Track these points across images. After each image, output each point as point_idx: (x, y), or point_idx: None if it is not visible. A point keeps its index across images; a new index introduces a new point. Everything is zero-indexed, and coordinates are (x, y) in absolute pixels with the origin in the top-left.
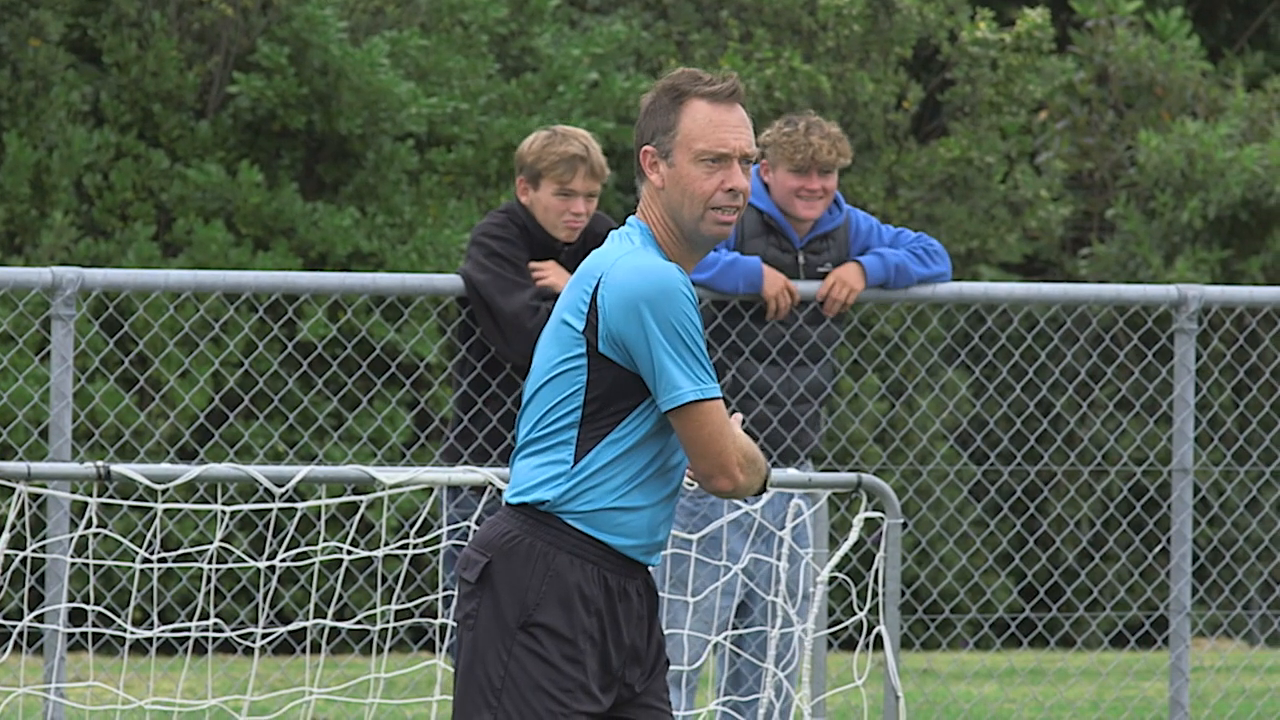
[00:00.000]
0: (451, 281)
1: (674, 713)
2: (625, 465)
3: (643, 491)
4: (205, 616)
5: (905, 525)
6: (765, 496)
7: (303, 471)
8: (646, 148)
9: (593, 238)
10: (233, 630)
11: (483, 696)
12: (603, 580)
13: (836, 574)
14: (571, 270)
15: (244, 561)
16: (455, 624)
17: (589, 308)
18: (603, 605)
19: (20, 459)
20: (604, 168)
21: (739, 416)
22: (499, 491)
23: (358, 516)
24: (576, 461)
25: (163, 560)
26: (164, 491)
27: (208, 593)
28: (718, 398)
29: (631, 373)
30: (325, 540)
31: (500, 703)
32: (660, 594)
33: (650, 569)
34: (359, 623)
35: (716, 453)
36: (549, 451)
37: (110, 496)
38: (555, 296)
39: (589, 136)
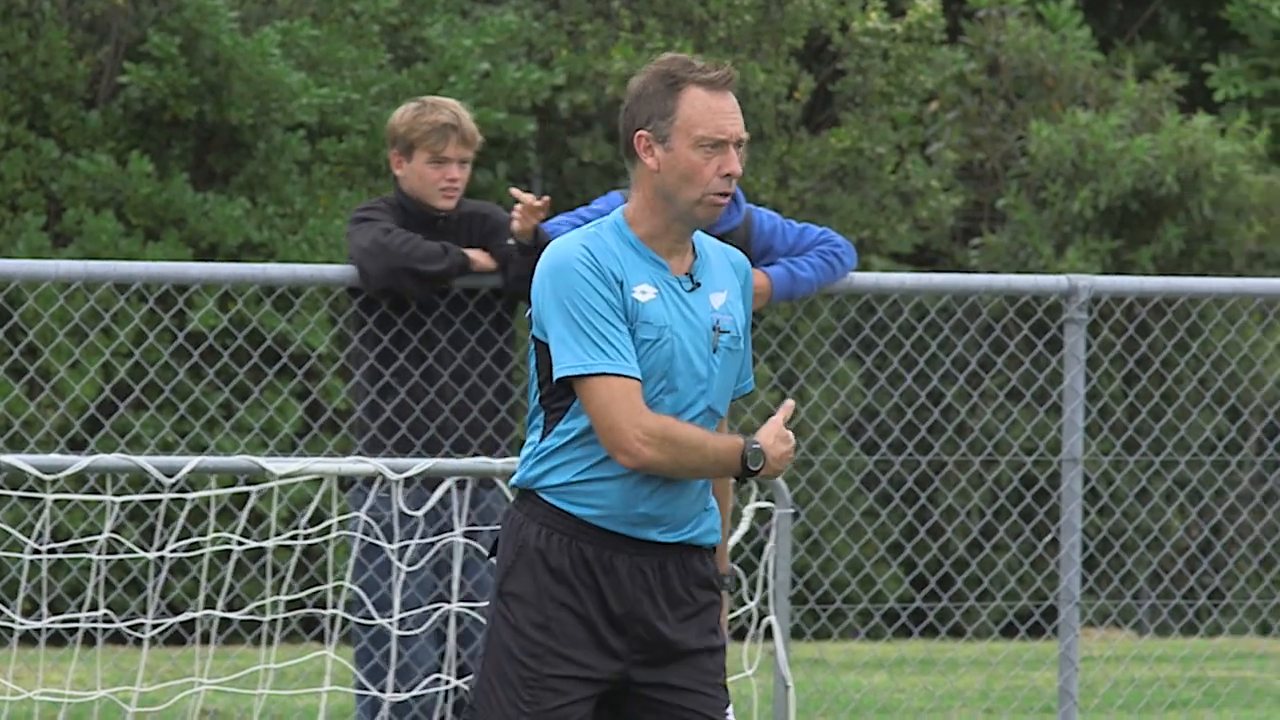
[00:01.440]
0: (343, 272)
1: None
2: (587, 438)
3: (610, 463)
4: (95, 607)
5: (796, 515)
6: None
7: (193, 462)
8: (641, 132)
9: (479, 219)
10: (123, 621)
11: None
12: (578, 552)
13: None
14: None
15: (134, 552)
16: None
17: None
18: (574, 576)
19: None
20: (475, 134)
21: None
22: (394, 482)
23: (249, 507)
24: (543, 440)
25: (52, 551)
26: (54, 482)
27: (98, 584)
28: (605, 374)
29: None
30: (216, 531)
31: (483, 667)
32: None
33: (682, 548)
34: (250, 614)
35: (606, 428)
36: (530, 435)
37: None
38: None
39: (458, 105)
